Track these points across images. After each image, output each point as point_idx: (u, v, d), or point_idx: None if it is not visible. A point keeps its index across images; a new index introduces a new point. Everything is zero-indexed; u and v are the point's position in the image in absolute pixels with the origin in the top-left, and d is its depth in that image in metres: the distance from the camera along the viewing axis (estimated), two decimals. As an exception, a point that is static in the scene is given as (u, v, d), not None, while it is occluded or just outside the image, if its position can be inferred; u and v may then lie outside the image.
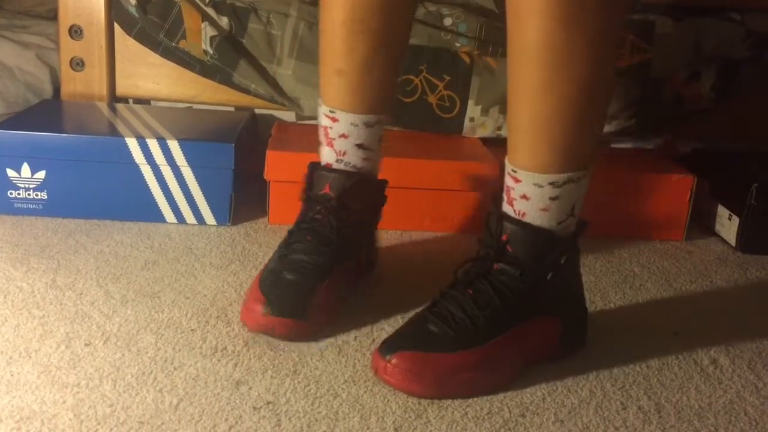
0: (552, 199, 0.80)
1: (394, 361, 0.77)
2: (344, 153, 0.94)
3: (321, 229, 0.92)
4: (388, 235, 1.18)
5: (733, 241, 1.24)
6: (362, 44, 0.89)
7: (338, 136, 0.93)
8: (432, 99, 1.31)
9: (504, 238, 0.81)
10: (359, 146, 0.93)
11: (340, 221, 0.92)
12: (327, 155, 0.94)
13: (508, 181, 0.82)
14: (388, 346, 0.78)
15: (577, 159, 0.80)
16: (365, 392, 0.77)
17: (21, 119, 1.21)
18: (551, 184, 0.79)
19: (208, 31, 1.28)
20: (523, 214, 0.81)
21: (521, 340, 0.81)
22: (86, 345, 0.81)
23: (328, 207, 0.92)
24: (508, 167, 0.82)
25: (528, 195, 0.80)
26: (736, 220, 1.23)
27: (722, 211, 1.27)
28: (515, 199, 0.81)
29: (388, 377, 0.77)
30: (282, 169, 1.17)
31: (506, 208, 0.82)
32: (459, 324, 0.79)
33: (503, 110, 1.33)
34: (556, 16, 0.73)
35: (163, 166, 1.13)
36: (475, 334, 0.79)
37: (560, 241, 0.81)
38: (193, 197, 1.15)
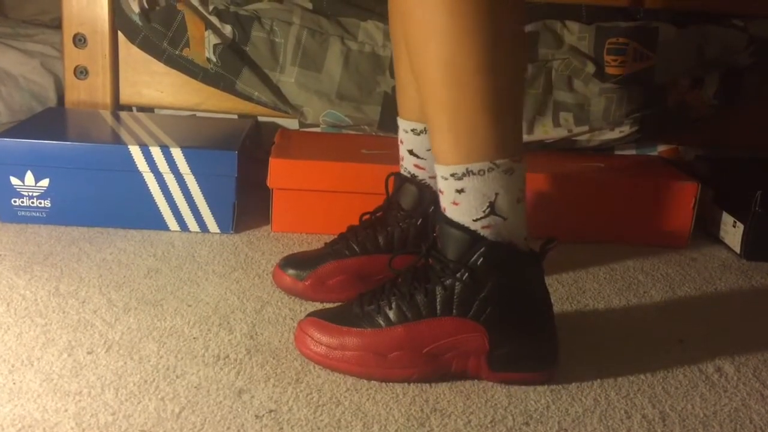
0: (458, 192, 0.76)
1: (302, 323, 0.83)
2: (402, 158, 0.99)
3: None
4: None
5: (737, 249, 1.23)
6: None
7: (399, 141, 1.00)
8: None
9: (435, 232, 0.80)
10: (410, 152, 0.97)
11: (389, 218, 0.98)
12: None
13: None
14: (311, 312, 0.84)
15: (473, 149, 0.75)
16: (368, 400, 0.77)
17: (25, 127, 1.21)
18: (452, 175, 0.76)
19: (212, 39, 1.29)
20: (444, 208, 0.79)
21: (425, 335, 0.79)
22: (88, 353, 0.81)
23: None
24: None
25: (442, 188, 0.79)
26: (740, 227, 1.23)
27: (726, 218, 1.26)
28: (438, 194, 0.80)
29: (295, 335, 0.84)
30: (285, 177, 1.17)
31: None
32: (371, 306, 0.81)
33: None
34: None
35: (167, 174, 1.14)
36: (377, 317, 0.80)
37: (481, 241, 0.77)
38: (196, 205, 1.15)
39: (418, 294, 0.79)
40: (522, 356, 0.80)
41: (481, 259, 0.77)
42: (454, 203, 0.77)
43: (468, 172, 0.76)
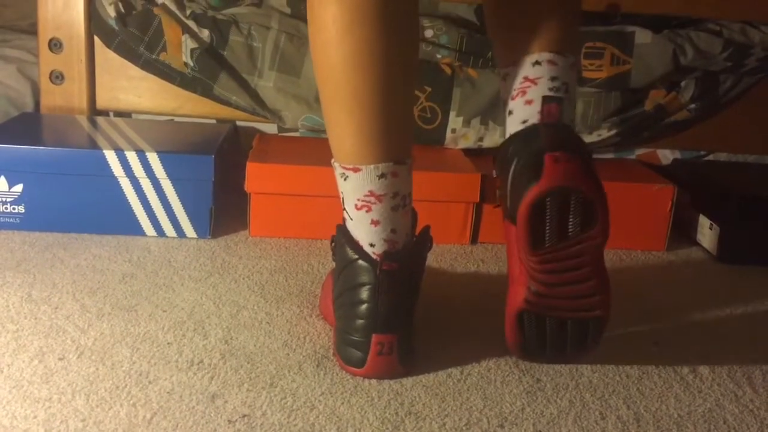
0: None
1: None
2: None
3: None
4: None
5: (714, 251, 1.24)
6: None
7: None
8: (413, 110, 1.31)
9: None
10: None
11: None
12: None
13: None
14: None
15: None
16: (342, 404, 0.76)
17: (-1, 132, 1.20)
18: None
19: (189, 43, 1.28)
20: None
21: (327, 285, 0.92)
22: (60, 359, 0.80)
23: None
24: None
25: None
26: (716, 229, 1.23)
27: (703, 221, 1.27)
28: None
29: None
30: (263, 181, 1.17)
31: None
32: None
33: (485, 121, 1.33)
34: None
35: (143, 179, 1.13)
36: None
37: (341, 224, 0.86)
38: (172, 210, 1.15)
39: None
40: (339, 342, 0.83)
41: (336, 237, 0.84)
42: None
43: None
